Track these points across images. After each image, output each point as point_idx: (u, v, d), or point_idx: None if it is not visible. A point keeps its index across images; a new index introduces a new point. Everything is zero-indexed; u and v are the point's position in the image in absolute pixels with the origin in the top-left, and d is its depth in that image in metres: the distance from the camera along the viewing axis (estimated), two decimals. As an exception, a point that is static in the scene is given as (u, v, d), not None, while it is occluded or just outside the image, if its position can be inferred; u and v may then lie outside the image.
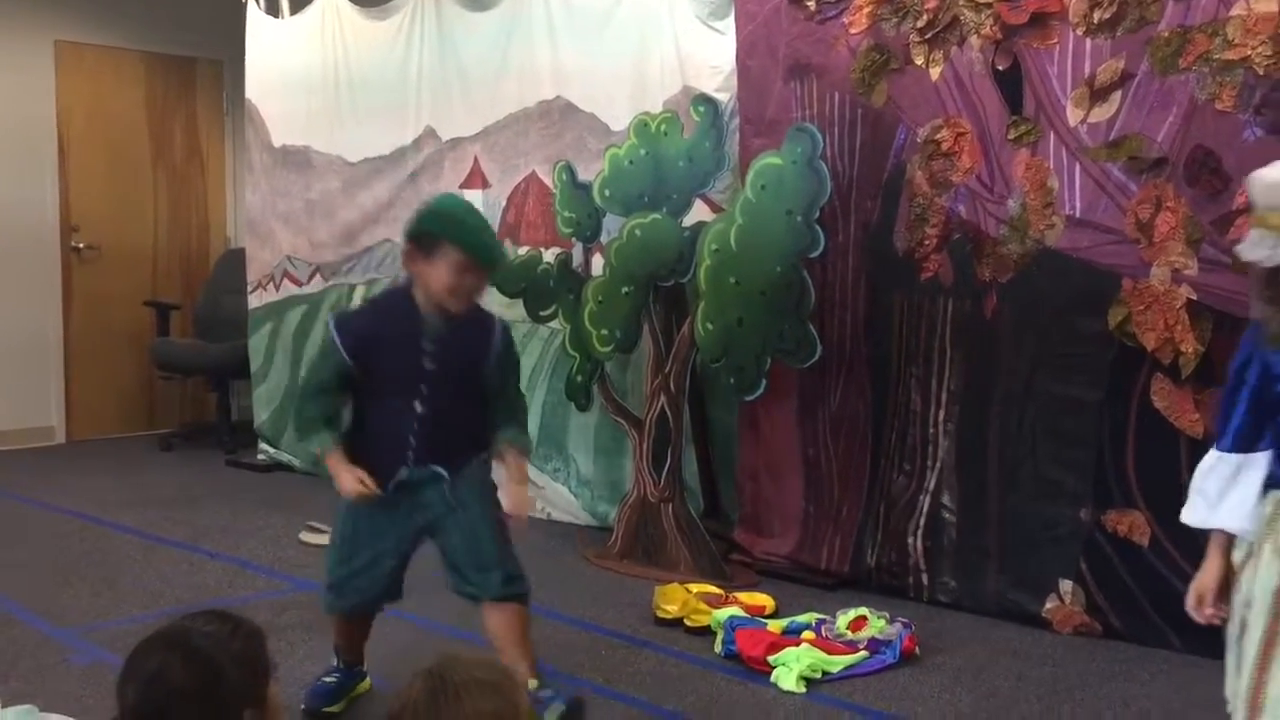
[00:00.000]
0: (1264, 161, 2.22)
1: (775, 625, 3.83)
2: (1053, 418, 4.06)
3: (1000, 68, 4.11)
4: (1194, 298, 3.69)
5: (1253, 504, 2.20)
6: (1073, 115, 3.95)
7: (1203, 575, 2.30)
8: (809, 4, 4.56)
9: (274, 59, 6.74)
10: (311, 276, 6.70)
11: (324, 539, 5.16)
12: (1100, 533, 3.93)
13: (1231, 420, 2.25)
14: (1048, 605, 4.03)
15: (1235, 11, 3.58)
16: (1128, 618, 3.89)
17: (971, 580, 4.24)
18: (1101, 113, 3.90)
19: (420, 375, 3.10)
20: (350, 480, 3.02)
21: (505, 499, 3.20)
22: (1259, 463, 2.21)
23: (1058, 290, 4.02)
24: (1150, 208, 3.80)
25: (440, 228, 3.04)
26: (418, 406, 3.10)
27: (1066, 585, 4.00)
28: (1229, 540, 2.26)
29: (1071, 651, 3.85)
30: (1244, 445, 2.23)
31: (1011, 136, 4.09)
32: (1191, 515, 2.32)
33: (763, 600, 4.14)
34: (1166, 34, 3.73)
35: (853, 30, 4.44)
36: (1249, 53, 3.56)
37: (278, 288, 6.88)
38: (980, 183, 4.18)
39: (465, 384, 3.16)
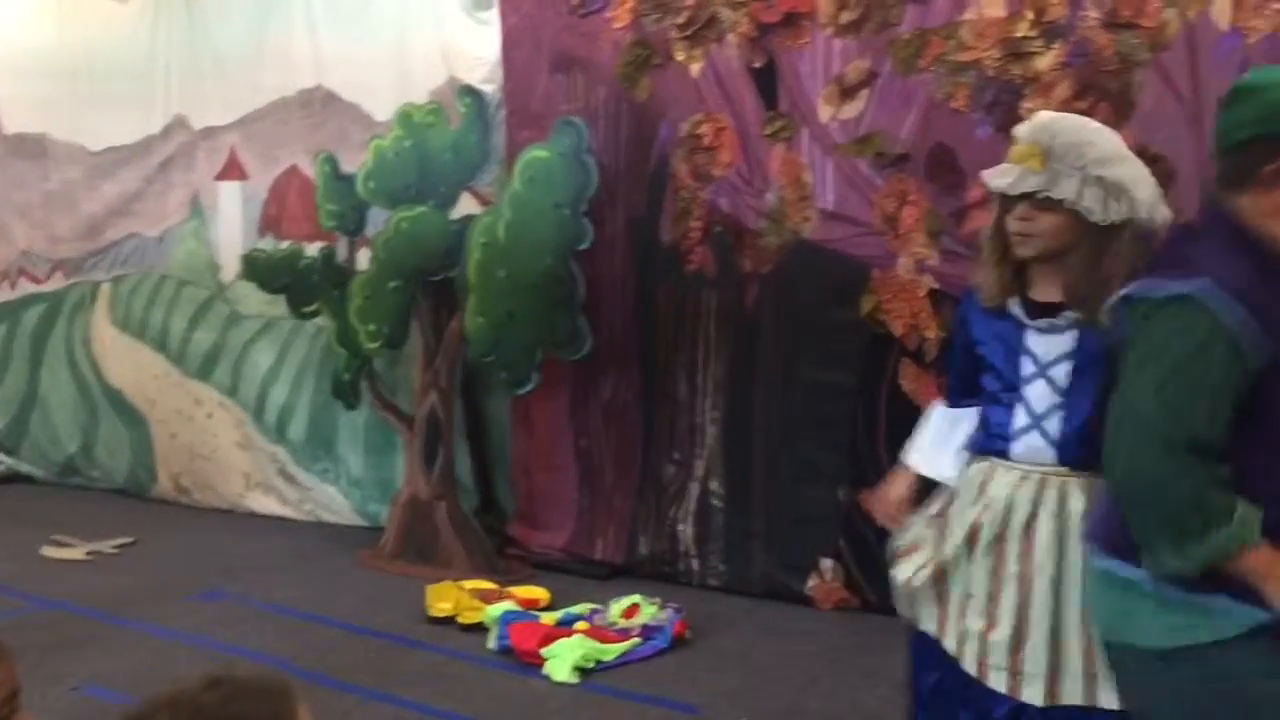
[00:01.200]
0: (995, 159, 2.37)
1: (549, 618, 3.84)
2: (812, 403, 4.22)
3: (756, 65, 4.24)
4: (936, 286, 3.91)
5: (960, 455, 2.41)
6: (824, 112, 4.12)
7: (895, 489, 2.54)
8: (572, -2, 4.58)
9: (5, 39, 6.25)
10: (52, 273, 6.25)
11: (71, 553, 4.86)
12: (857, 512, 4.12)
13: (950, 379, 2.53)
14: (810, 583, 4.20)
15: (967, 16, 3.81)
16: (884, 592, 4.06)
17: (739, 563, 4.37)
18: (850, 110, 4.08)
19: None
20: None
21: None
22: (967, 417, 2.41)
23: (814, 280, 4.18)
24: (895, 201, 4.00)
25: None
26: None
27: (827, 563, 4.18)
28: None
29: (833, 626, 4.02)
30: (956, 401, 2.47)
31: (768, 132, 4.23)
32: (910, 459, 2.53)
33: (538, 593, 4.14)
34: (907, 36, 3.93)
35: (616, 25, 4.49)
36: (980, 55, 3.80)
37: (14, 286, 6.39)
38: (740, 177, 4.31)
39: None
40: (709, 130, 4.33)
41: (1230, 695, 1.73)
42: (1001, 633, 2.24)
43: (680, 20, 4.34)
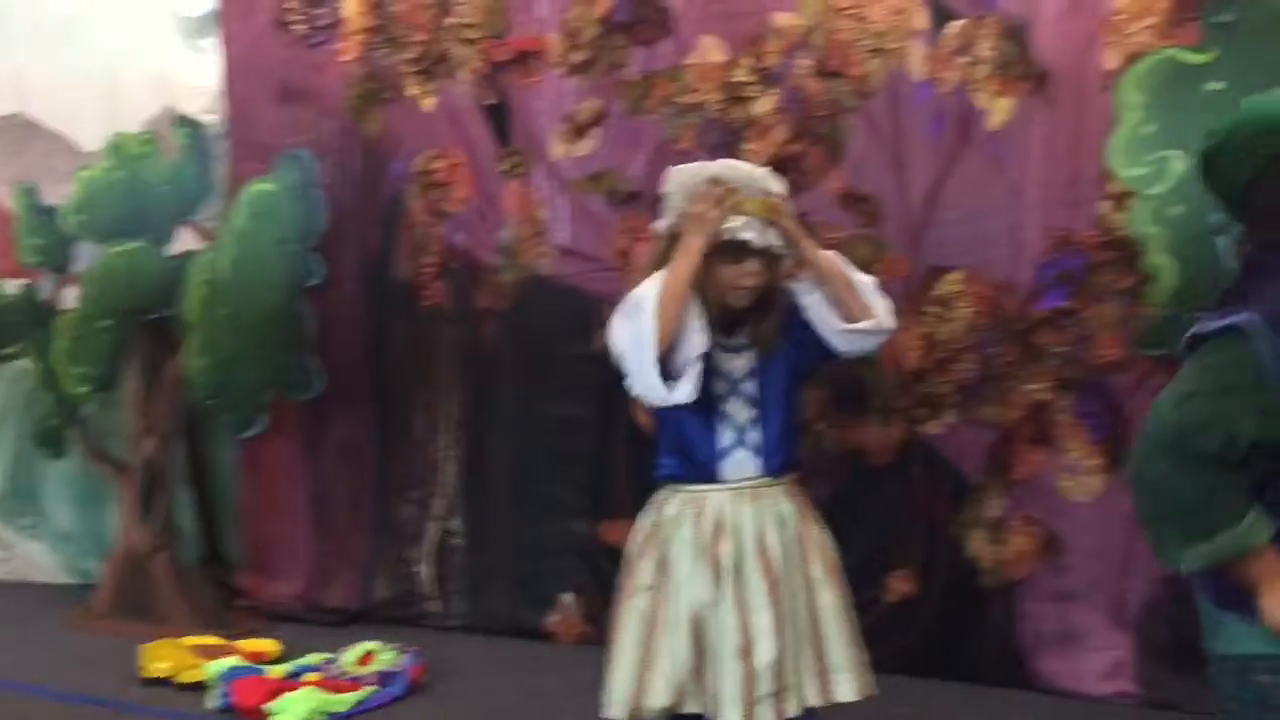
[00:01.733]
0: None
1: (278, 671, 3.66)
2: (550, 438, 4.24)
3: (489, 102, 4.25)
4: (668, 320, 4.01)
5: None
6: (557, 149, 4.17)
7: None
8: (297, 28, 4.46)
9: None
10: None
11: None
12: (595, 544, 4.15)
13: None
14: (551, 618, 4.19)
15: (691, 60, 3.96)
16: (623, 622, 4.13)
17: (480, 602, 4.32)
18: (583, 148, 4.15)
19: None
20: None
21: None
22: None
23: (550, 316, 4.21)
24: (628, 238, 4.09)
25: None
26: None
27: (568, 598, 4.19)
28: None
29: (574, 660, 4.01)
30: None
31: (503, 168, 4.24)
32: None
33: (267, 646, 3.95)
34: (635, 78, 4.04)
35: (344, 57, 4.40)
36: (704, 98, 3.95)
37: None
38: (475, 213, 4.29)
39: None
40: (443, 166, 4.31)
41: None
42: (763, 658, 2.27)
43: (411, 55, 4.31)
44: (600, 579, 4.13)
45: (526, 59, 4.17)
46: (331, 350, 4.42)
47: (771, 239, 2.33)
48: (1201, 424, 1.80)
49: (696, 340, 2.29)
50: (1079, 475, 3.61)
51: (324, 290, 4.36)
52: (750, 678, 2.26)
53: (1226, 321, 1.83)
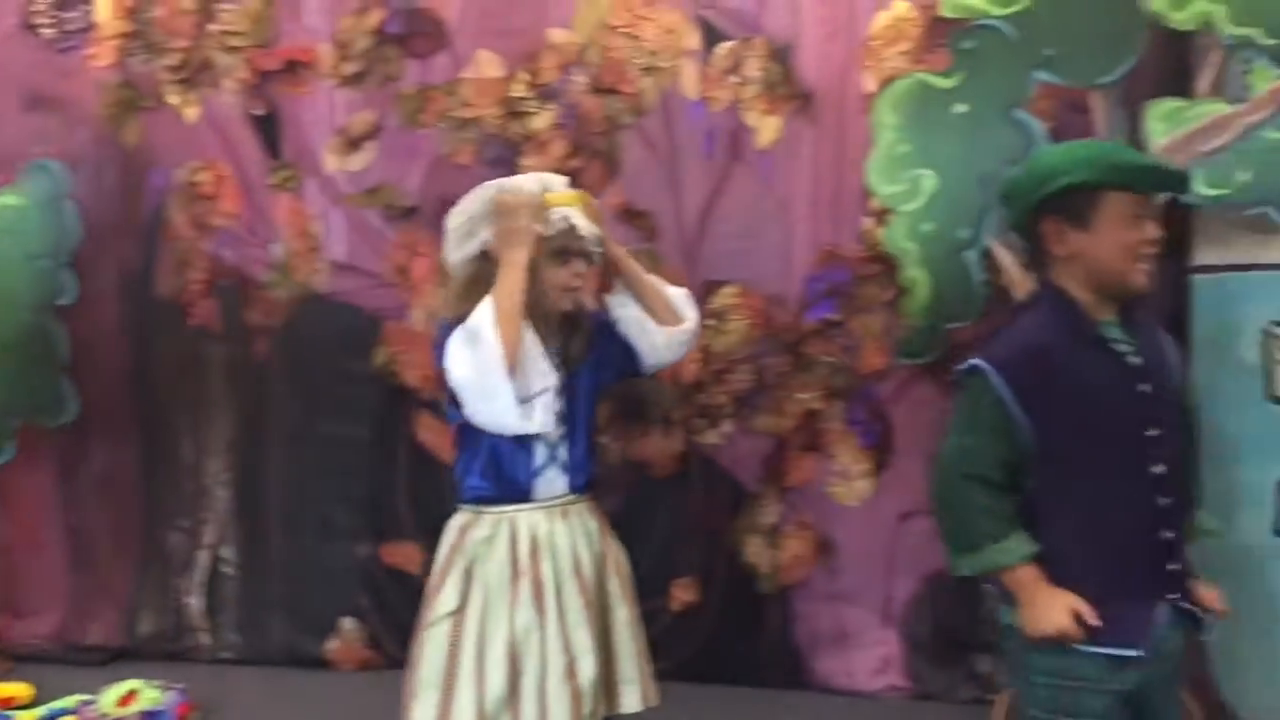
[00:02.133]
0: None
1: (28, 716, 3.41)
2: (328, 458, 4.10)
3: (257, 112, 4.10)
4: (448, 336, 3.96)
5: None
6: (330, 162, 4.06)
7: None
8: (45, 32, 4.19)
9: None
10: None
11: None
12: (379, 566, 4.05)
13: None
14: (330, 645, 4.06)
15: (467, 74, 3.93)
16: (407, 646, 4.03)
17: (255, 632, 4.14)
18: (357, 161, 4.05)
19: (1140, 411, 2.06)
20: (1057, 614, 2.00)
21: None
22: None
23: (326, 333, 4.09)
24: (407, 253, 4.01)
25: (1098, 175, 2.04)
26: (1155, 468, 2.06)
27: (348, 623, 4.06)
28: None
29: (356, 688, 3.90)
30: None
31: (272, 182, 4.10)
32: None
33: (17, 690, 3.67)
34: (410, 91, 3.98)
35: (98, 63, 4.16)
36: (481, 113, 3.93)
37: None
38: (244, 227, 4.13)
39: (1180, 422, 2.16)
40: (209, 178, 4.12)
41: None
42: (586, 676, 2.28)
43: (171, 62, 4.11)
44: (382, 602, 4.04)
45: (296, 69, 4.04)
46: (88, 372, 4.15)
47: (591, 239, 2.34)
48: (960, 455, 2.10)
49: (544, 369, 2.28)
50: (849, 480, 3.77)
51: (79, 308, 4.09)
52: (578, 697, 2.27)
53: (970, 363, 2.10)
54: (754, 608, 3.85)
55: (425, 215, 4.01)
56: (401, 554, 4.04)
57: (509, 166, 3.90)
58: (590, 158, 3.86)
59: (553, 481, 2.37)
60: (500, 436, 2.32)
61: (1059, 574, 2.03)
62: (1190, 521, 2.18)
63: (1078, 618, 1.98)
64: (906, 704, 3.68)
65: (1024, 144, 3.13)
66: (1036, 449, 2.04)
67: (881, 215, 3.48)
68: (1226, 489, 3.32)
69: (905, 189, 3.25)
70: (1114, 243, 2.02)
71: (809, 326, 3.74)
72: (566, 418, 2.36)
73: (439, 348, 2.32)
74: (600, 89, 3.84)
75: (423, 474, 4.02)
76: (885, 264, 3.54)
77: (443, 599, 2.33)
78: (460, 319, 2.26)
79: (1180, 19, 3.00)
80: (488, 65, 3.91)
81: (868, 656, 3.77)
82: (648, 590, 3.82)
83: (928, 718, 3.57)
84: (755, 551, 3.84)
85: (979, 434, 2.07)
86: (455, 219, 2.39)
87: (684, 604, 3.88)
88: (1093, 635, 1.99)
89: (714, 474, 3.87)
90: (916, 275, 3.27)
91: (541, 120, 3.89)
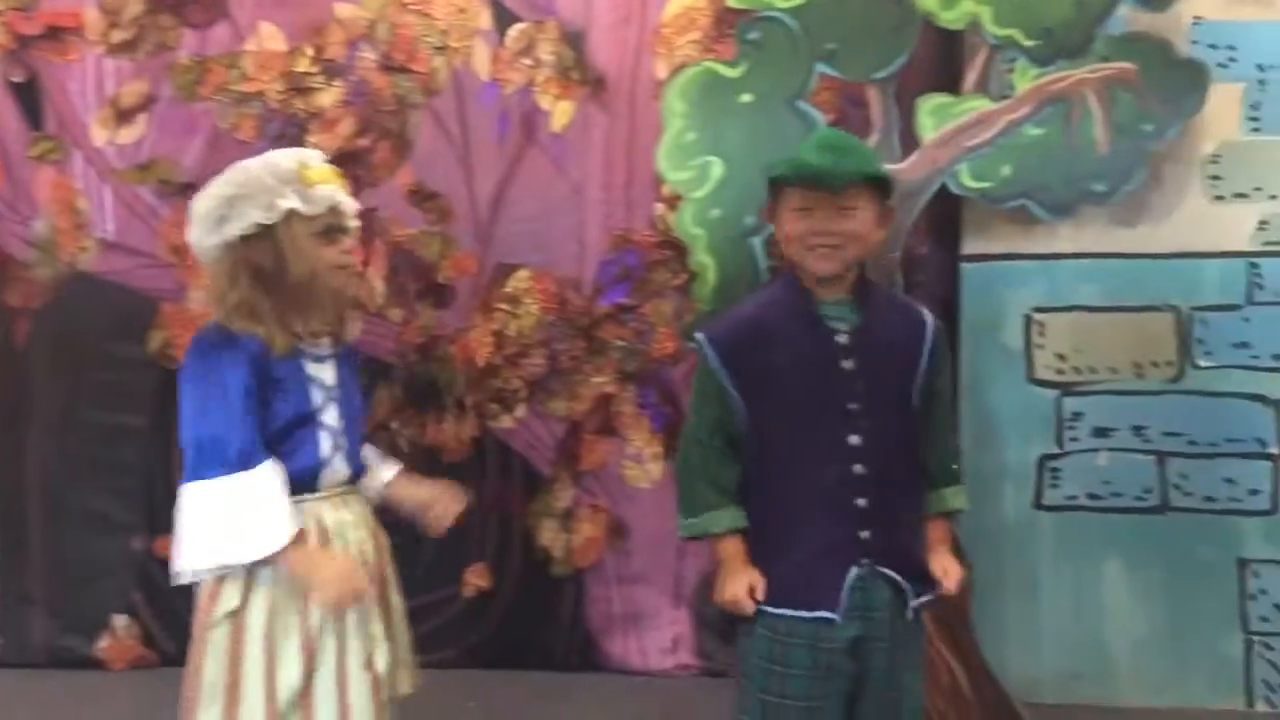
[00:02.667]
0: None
1: None
2: (98, 447, 3.88)
3: (16, 80, 3.83)
4: (230, 319, 3.80)
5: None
6: (98, 135, 3.83)
7: None
8: None
9: None
10: None
11: None
12: (153, 561, 3.85)
13: (243, 434, 2.12)
14: (101, 644, 3.85)
15: (249, 46, 3.77)
16: (185, 642, 3.86)
17: (15, 633, 3.89)
18: (129, 134, 3.84)
19: (840, 386, 2.17)
20: (736, 586, 2.16)
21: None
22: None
23: (96, 315, 3.86)
24: (183, 231, 3.81)
25: (777, 170, 2.21)
26: (852, 439, 2.16)
27: (120, 620, 3.86)
28: None
29: (131, 687, 3.72)
30: (260, 458, 2.14)
31: (34, 154, 3.84)
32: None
33: None
34: (186, 62, 3.79)
35: None
36: (264, 87, 3.78)
37: None
38: (2, 203, 3.86)
39: (901, 400, 2.23)
40: (-39, 149, 3.83)
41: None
42: (382, 664, 2.22)
43: (-82, 22, 3.80)
44: (156, 597, 3.86)
45: (60, 35, 3.79)
46: None
47: (352, 215, 2.27)
48: (691, 424, 2.25)
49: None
50: (642, 463, 3.81)
51: None
52: (377, 685, 2.21)
53: (695, 335, 2.25)
54: (548, 592, 3.86)
55: (204, 192, 3.83)
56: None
57: (294, 143, 3.76)
58: (380, 137, 3.77)
59: (338, 471, 2.29)
60: (293, 429, 2.22)
61: (761, 541, 2.17)
62: (923, 494, 2.26)
63: (751, 592, 2.14)
64: (696, 681, 3.76)
65: (807, 134, 3.21)
66: (747, 419, 2.17)
67: (673, 201, 3.53)
68: (992, 466, 3.53)
69: (694, 175, 3.29)
70: (786, 232, 2.19)
71: (602, 311, 3.76)
72: (343, 405, 2.31)
73: (191, 371, 2.17)
74: (390, 67, 3.75)
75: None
76: (676, 249, 3.59)
77: (223, 599, 2.22)
78: (223, 338, 2.14)
79: (949, 18, 3.14)
80: (271, 38, 3.77)
81: (660, 636, 3.83)
82: (440, 577, 3.83)
83: (716, 694, 3.64)
84: (549, 535, 3.85)
85: (702, 404, 2.23)
86: (206, 202, 2.24)
87: (477, 590, 3.85)
88: (787, 599, 2.13)
89: (508, 458, 3.86)
90: (705, 260, 3.32)
91: (328, 97, 3.77)
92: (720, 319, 2.30)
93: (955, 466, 2.32)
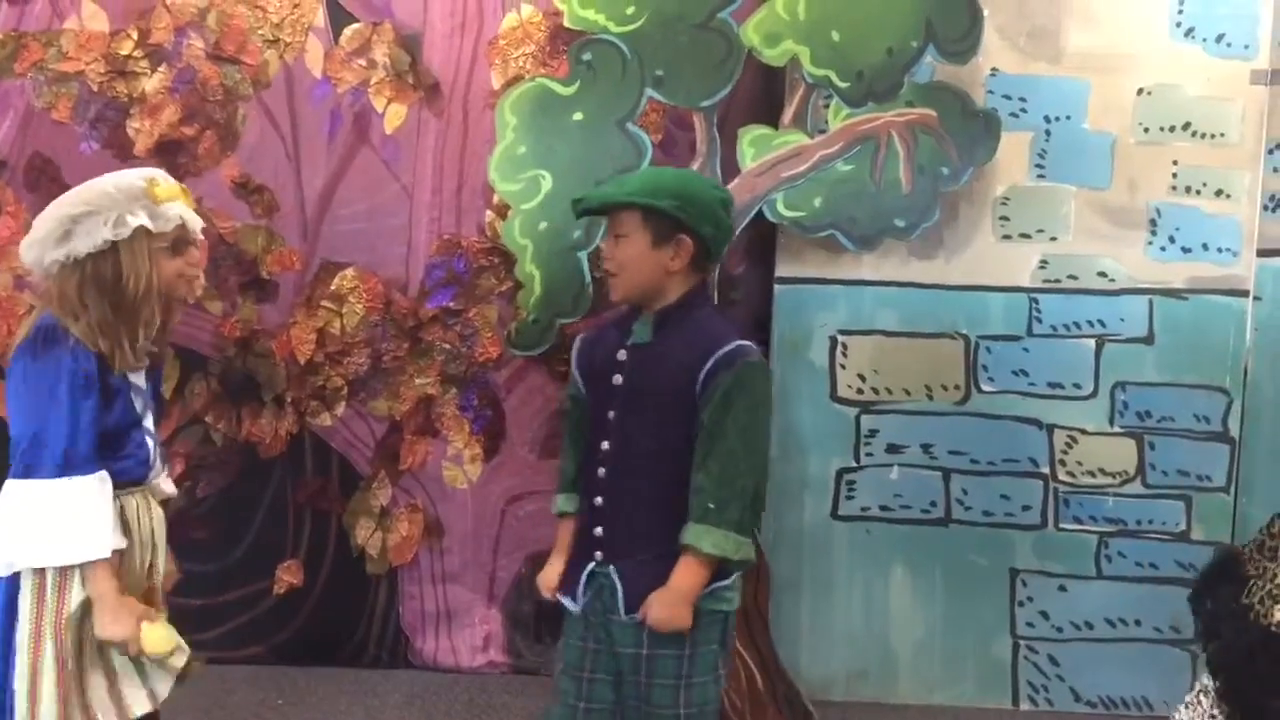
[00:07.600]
0: (102, 173, 2.31)
1: None
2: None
3: None
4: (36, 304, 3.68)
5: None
6: (-102, 106, 3.65)
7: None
8: None
9: None
10: None
11: None
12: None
13: (79, 444, 2.14)
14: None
15: (69, 25, 3.65)
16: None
17: None
18: (-72, 107, 3.67)
19: (609, 395, 2.38)
20: (549, 570, 2.49)
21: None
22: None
23: (-112, 294, 3.68)
24: (-10, 211, 3.69)
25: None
26: (604, 444, 2.36)
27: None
28: None
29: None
30: (95, 466, 2.17)
31: None
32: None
33: None
34: (0, 37, 3.65)
35: None
36: (84, 67, 3.67)
37: None
38: None
39: (661, 421, 2.31)
40: None
41: None
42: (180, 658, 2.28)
43: None
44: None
45: None
46: None
47: (197, 229, 2.35)
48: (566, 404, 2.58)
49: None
50: (461, 464, 3.87)
51: None
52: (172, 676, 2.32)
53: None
54: (360, 589, 3.87)
55: (14, 172, 3.70)
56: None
57: (113, 126, 3.68)
58: (205, 126, 3.71)
59: (158, 471, 2.39)
60: (128, 432, 2.28)
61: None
62: (673, 518, 2.26)
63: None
64: (504, 678, 3.84)
65: (635, 155, 3.34)
66: None
67: (503, 209, 3.60)
68: (795, 477, 3.73)
69: (523, 188, 3.38)
70: None
71: (428, 313, 3.80)
72: (155, 410, 2.38)
73: (24, 369, 2.16)
74: (219, 57, 3.70)
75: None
76: (503, 256, 3.67)
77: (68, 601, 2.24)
78: (58, 340, 2.16)
79: (771, 55, 3.33)
80: (93, 18, 3.66)
81: (471, 634, 3.90)
82: (252, 573, 3.81)
83: (524, 691, 3.74)
84: (365, 533, 3.87)
85: (573, 391, 2.53)
86: (49, 221, 2.21)
87: (289, 586, 3.84)
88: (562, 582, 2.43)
89: (326, 456, 3.86)
90: (532, 271, 3.41)
91: (152, 82, 3.69)
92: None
93: (711, 505, 2.21)
